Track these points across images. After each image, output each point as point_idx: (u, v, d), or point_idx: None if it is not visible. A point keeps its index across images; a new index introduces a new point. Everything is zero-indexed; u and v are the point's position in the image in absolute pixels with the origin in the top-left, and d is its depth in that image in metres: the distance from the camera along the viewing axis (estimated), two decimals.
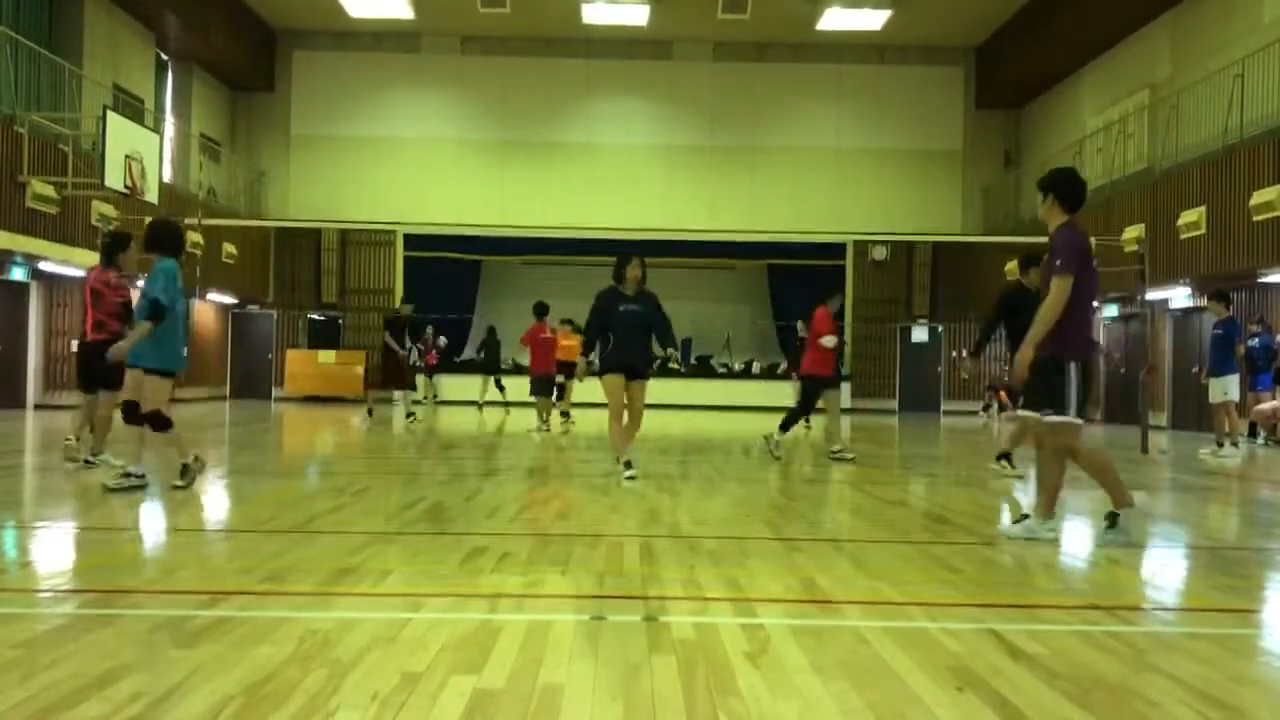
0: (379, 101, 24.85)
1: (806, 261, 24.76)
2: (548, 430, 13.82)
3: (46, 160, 15.69)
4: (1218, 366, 12.21)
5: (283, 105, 25.05)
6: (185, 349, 7.05)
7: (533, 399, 14.22)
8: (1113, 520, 5.50)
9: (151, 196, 16.72)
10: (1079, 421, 5.43)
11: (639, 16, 22.44)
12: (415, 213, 23.97)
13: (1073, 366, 5.40)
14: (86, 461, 7.93)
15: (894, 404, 24.55)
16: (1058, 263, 5.33)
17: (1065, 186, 5.56)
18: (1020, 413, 5.83)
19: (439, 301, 25.01)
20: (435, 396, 21.93)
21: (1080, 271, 5.36)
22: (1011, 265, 21.68)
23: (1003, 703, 2.80)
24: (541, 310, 13.81)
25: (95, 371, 7.97)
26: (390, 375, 15.72)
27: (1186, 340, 17.77)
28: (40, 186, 15.10)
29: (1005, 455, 8.89)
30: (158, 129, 18.91)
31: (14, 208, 14.80)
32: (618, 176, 24.85)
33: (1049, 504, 5.59)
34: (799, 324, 16.51)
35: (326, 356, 23.97)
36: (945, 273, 25.21)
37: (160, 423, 6.77)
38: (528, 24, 23.50)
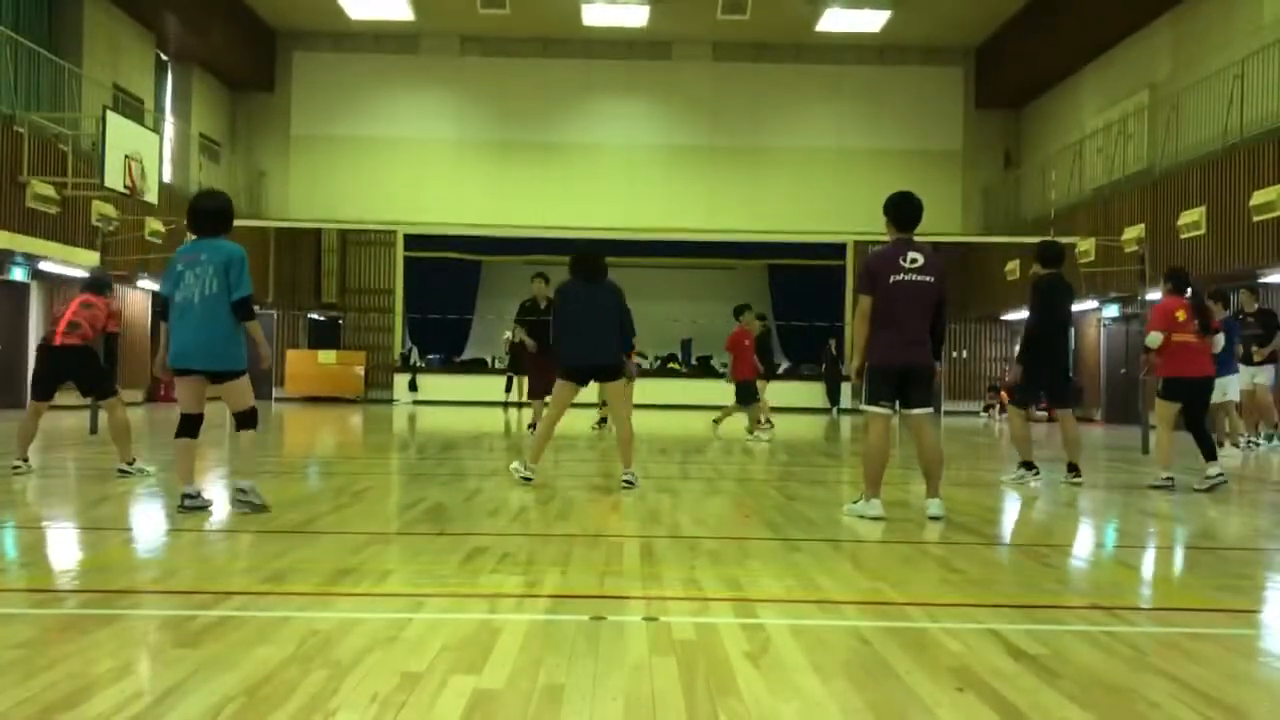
0: (378, 102, 24.85)
1: (807, 261, 24.78)
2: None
3: (46, 160, 15.69)
4: (1216, 367, 12.18)
5: (282, 105, 25.05)
6: (187, 339, 5.86)
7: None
8: (855, 501, 6.34)
9: (151, 197, 16.72)
10: (867, 409, 6.24)
11: (638, 17, 22.43)
12: (415, 213, 23.97)
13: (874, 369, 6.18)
14: (121, 471, 7.65)
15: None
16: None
17: (888, 208, 6.38)
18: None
19: (439, 302, 25.04)
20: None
21: (873, 291, 6.12)
22: (1012, 265, 21.72)
23: (1003, 703, 2.79)
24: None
25: (57, 378, 7.83)
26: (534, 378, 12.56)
27: None
28: (40, 186, 15.10)
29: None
30: (157, 129, 18.91)
31: (14, 208, 14.80)
32: (618, 176, 24.85)
33: (874, 483, 6.19)
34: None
35: (327, 357, 23.97)
36: (945, 273, 25.19)
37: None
38: (527, 24, 23.50)
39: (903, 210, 6.27)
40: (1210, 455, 8.22)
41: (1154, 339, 8.17)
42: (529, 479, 7.53)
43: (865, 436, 6.28)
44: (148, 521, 5.83)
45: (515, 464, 7.75)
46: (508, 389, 20.26)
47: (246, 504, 5.86)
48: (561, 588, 4.19)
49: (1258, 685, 3.12)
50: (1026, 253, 20.90)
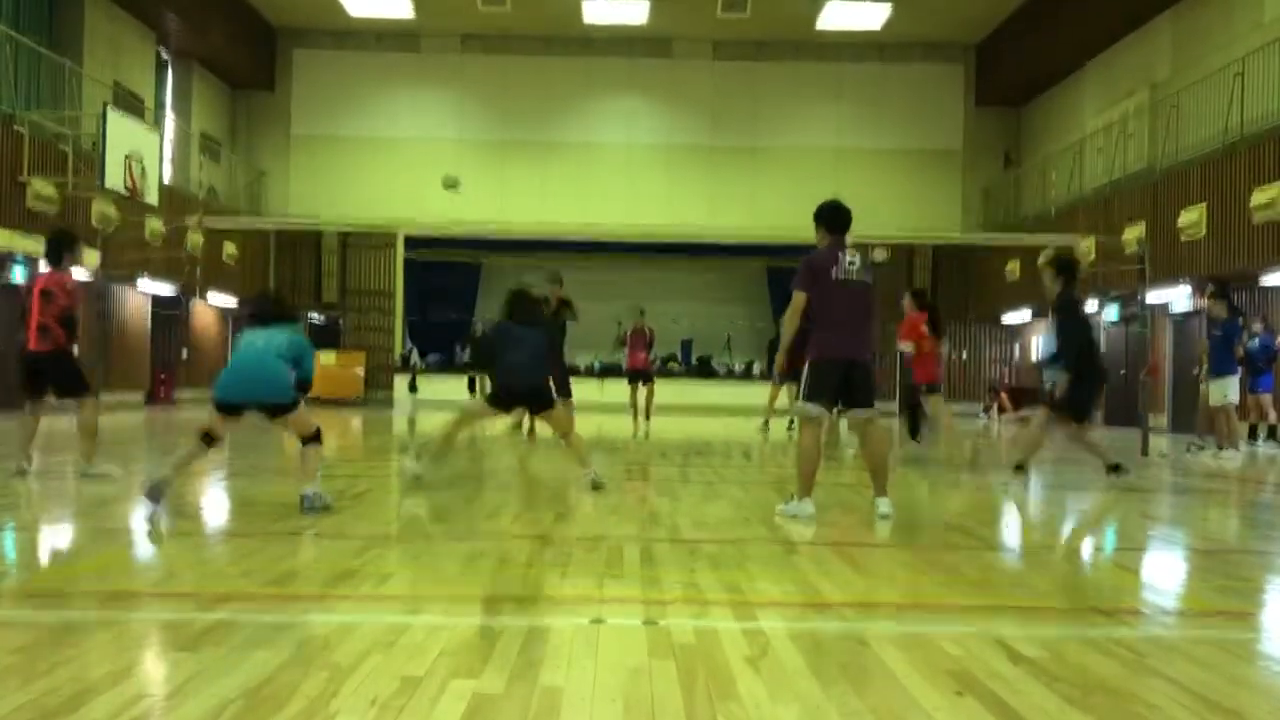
0: (379, 101, 24.85)
1: None
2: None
3: (46, 160, 15.68)
4: (1217, 368, 12.19)
5: (283, 104, 25.06)
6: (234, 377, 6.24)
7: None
8: (787, 500, 6.33)
9: (151, 196, 16.72)
10: (805, 409, 6.24)
11: (639, 15, 22.44)
12: (415, 213, 23.97)
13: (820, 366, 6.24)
14: (85, 474, 7.58)
15: (894, 405, 24.51)
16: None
17: (823, 215, 6.49)
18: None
19: (439, 302, 25.07)
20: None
21: (810, 288, 6.25)
22: (1012, 265, 21.73)
23: (1002, 706, 2.79)
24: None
25: (41, 383, 7.64)
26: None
27: (1186, 342, 17.75)
28: (40, 186, 15.09)
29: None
30: (158, 128, 18.91)
31: (14, 208, 14.79)
32: (618, 176, 24.85)
33: (806, 484, 6.22)
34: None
35: (326, 357, 23.93)
36: (945, 274, 25.21)
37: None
38: (528, 22, 23.51)
39: (837, 218, 6.50)
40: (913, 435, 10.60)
41: (907, 346, 9.77)
42: (419, 475, 7.58)
43: (798, 438, 6.36)
44: (147, 524, 5.82)
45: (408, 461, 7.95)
46: (471, 388, 19.26)
47: (313, 509, 6.10)
48: (561, 591, 4.19)
49: (1258, 689, 3.12)
50: (1026, 253, 20.99)
